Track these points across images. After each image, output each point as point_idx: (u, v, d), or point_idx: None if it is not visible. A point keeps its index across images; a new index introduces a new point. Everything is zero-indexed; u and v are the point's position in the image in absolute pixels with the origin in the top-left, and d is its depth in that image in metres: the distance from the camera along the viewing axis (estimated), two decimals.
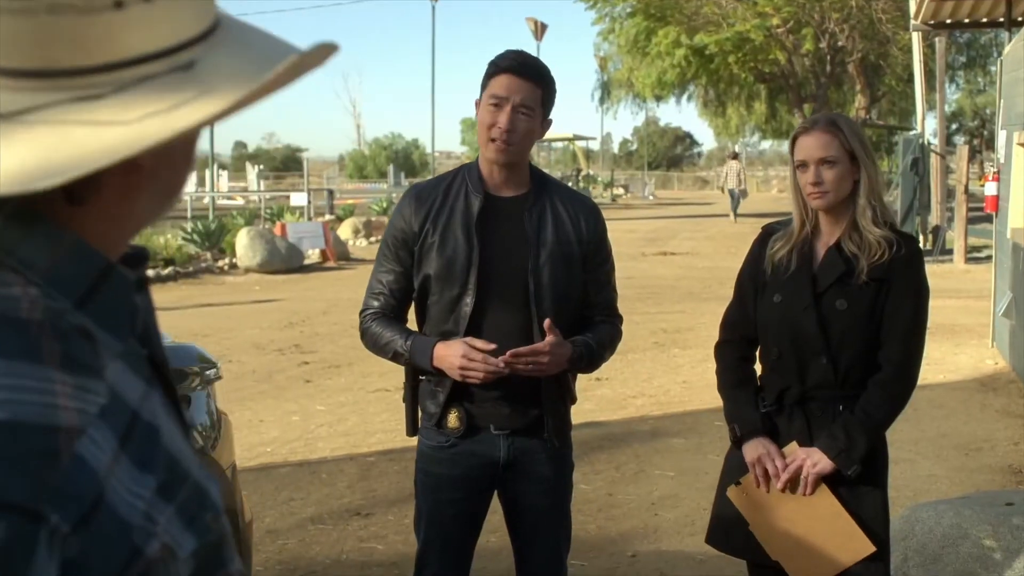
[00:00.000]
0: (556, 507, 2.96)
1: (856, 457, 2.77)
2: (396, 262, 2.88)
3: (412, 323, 2.96)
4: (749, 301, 3.00)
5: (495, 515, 3.05)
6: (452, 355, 2.71)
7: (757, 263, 3.00)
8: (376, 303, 2.90)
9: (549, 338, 2.72)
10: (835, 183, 2.82)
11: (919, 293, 2.87)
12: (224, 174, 48.81)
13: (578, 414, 7.23)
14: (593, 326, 2.91)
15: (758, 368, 3.05)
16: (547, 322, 2.72)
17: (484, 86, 2.79)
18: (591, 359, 2.87)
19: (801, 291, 2.86)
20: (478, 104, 2.82)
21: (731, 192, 30.61)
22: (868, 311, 2.82)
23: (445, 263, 2.78)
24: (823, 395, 2.86)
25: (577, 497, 5.52)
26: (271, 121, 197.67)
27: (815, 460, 2.79)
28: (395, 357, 2.85)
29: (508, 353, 2.68)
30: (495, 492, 2.96)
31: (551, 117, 2.87)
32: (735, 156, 33.36)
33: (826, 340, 2.82)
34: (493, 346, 2.69)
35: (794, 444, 2.87)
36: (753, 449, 2.89)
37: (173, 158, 0.94)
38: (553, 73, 2.84)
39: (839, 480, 2.81)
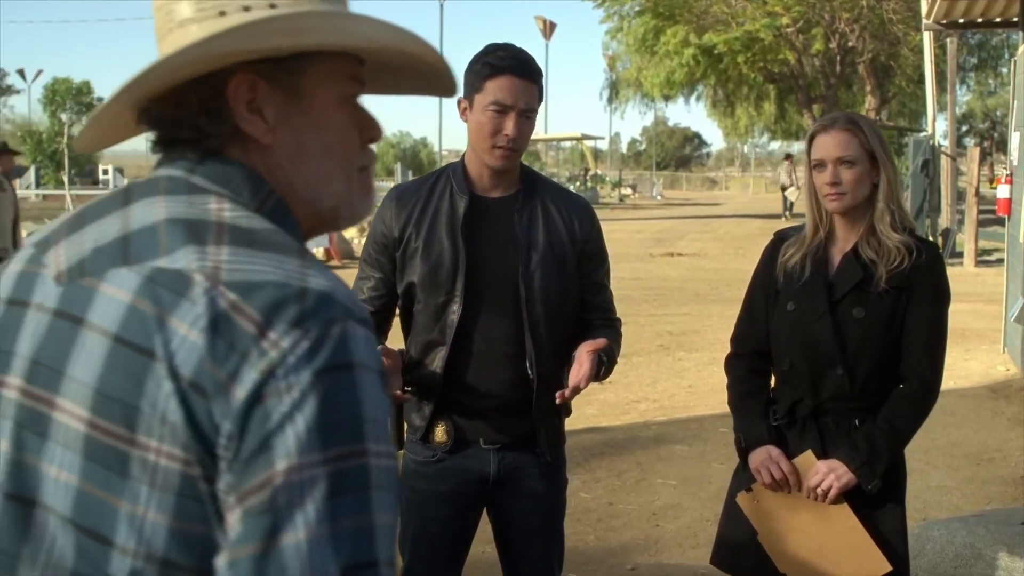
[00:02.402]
0: (548, 525, 2.80)
1: (878, 471, 2.62)
2: (376, 268, 2.72)
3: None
4: (760, 312, 2.84)
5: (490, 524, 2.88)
6: None
7: (769, 272, 2.83)
8: None
9: (586, 371, 2.54)
10: (853, 184, 2.66)
11: (941, 301, 2.72)
12: None
13: (580, 419, 7.10)
14: (594, 331, 2.74)
15: (773, 382, 2.89)
16: (580, 354, 2.58)
17: (478, 87, 2.57)
18: (610, 365, 2.70)
19: (815, 299, 2.70)
20: (463, 104, 2.63)
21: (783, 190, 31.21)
22: (887, 320, 2.66)
23: (430, 269, 2.62)
24: (837, 408, 2.70)
25: (576, 506, 5.41)
26: None
27: (839, 474, 2.63)
28: None
29: (557, 397, 2.54)
30: (484, 508, 2.80)
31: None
32: (788, 157, 33.45)
33: (842, 350, 2.66)
34: (395, 353, 2.56)
35: (809, 453, 2.70)
36: (757, 455, 2.74)
37: (294, 127, 1.13)
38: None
39: (857, 493, 2.65)
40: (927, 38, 18.50)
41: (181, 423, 0.94)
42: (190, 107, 1.09)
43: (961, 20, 12.36)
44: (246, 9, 1.08)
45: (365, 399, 0.96)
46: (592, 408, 7.32)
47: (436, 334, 2.62)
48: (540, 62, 2.66)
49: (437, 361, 2.61)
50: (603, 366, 2.63)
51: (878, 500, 2.67)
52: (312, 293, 0.98)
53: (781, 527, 2.73)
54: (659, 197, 52.43)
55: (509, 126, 2.54)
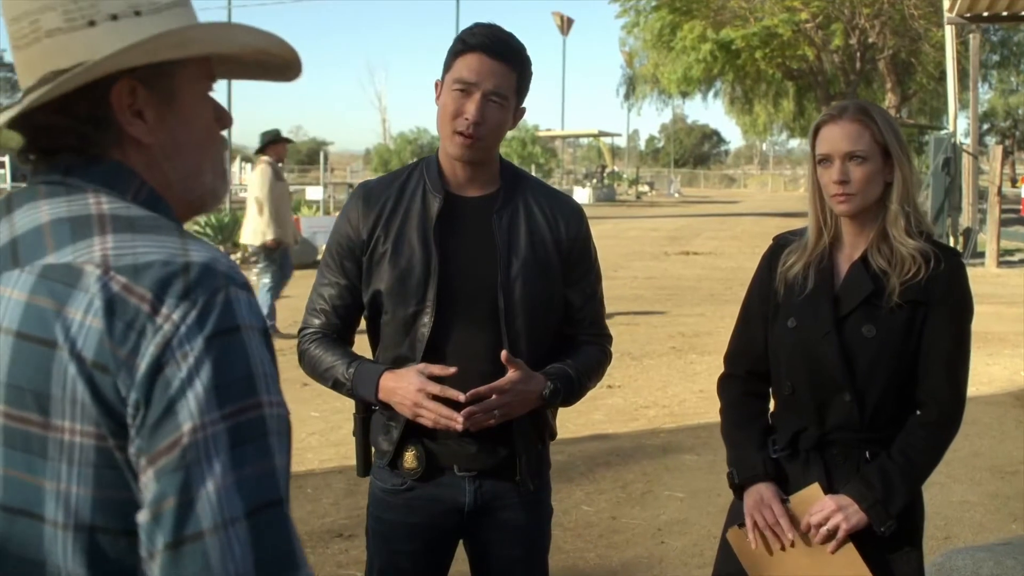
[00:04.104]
0: (531, 560, 2.53)
1: (893, 511, 2.29)
2: (340, 274, 2.45)
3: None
4: (757, 328, 2.54)
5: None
6: (404, 388, 2.29)
7: (767, 282, 2.52)
8: (317, 321, 2.48)
9: (511, 374, 2.29)
10: (863, 183, 2.34)
11: (963, 317, 2.39)
12: (248, 166, 49.02)
13: (586, 425, 6.84)
14: (576, 349, 2.48)
15: (773, 407, 2.59)
16: (504, 354, 2.29)
17: (448, 65, 2.34)
18: (569, 392, 2.41)
19: (820, 315, 2.39)
20: (439, 86, 2.38)
21: None
22: (901, 339, 2.34)
23: (399, 276, 2.36)
24: (845, 439, 2.39)
25: (578, 520, 5.16)
26: (298, 115, 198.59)
27: (849, 513, 2.31)
28: (336, 386, 2.41)
29: (467, 395, 2.26)
30: (459, 542, 2.54)
31: (524, 105, 2.44)
32: None
33: (850, 373, 2.34)
34: (452, 370, 2.27)
35: (816, 486, 2.39)
36: (751, 498, 2.43)
37: (170, 127, 1.21)
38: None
39: (866, 535, 2.33)
40: (949, 33, 18.14)
41: (89, 401, 1.05)
42: (77, 114, 1.17)
43: (985, 14, 12.02)
44: (114, 18, 1.16)
45: (254, 357, 1.08)
46: (599, 414, 7.08)
47: (405, 349, 2.37)
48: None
49: None
50: (558, 394, 2.37)
51: (890, 543, 2.35)
52: (195, 266, 1.08)
53: (776, 570, 2.42)
54: (676, 194, 52.12)
55: (471, 108, 2.29)
